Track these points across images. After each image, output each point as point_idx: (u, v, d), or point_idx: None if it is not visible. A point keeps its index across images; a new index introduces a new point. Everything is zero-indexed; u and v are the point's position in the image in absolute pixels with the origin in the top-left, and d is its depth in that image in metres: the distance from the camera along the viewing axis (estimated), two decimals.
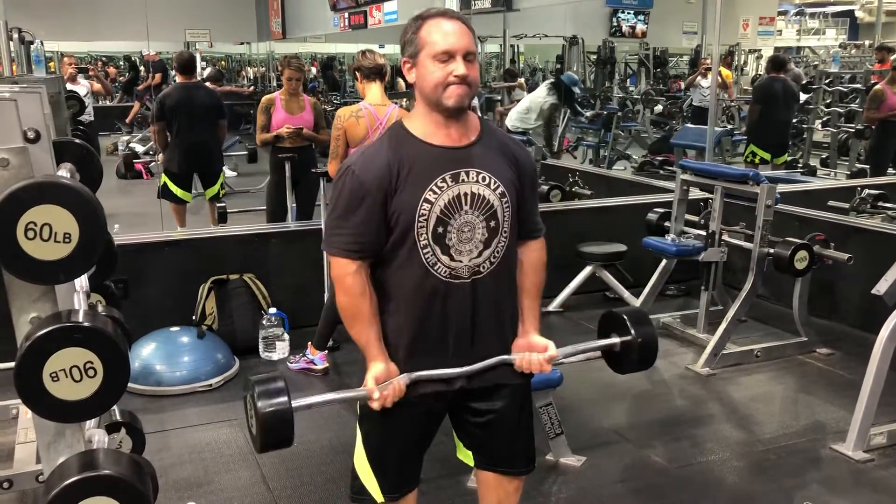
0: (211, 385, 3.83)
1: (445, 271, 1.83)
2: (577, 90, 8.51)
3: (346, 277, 1.84)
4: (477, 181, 1.82)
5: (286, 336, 4.21)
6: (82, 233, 1.40)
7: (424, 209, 1.78)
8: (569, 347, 2.04)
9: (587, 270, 5.01)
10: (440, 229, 1.80)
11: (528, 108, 8.10)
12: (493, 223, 1.84)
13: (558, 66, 13.35)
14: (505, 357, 1.94)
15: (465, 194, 1.81)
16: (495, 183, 1.84)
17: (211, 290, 4.28)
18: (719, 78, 7.49)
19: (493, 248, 1.85)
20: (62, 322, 1.42)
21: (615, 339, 2.06)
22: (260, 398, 1.73)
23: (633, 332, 2.03)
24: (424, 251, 1.81)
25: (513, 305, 1.97)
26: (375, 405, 1.83)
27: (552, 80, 8.61)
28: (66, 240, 1.40)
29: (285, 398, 1.74)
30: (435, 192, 1.79)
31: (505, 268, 1.89)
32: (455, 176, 1.81)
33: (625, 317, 2.06)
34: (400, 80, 10.38)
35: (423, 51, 1.79)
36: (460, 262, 1.83)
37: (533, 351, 1.95)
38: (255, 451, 1.83)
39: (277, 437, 1.76)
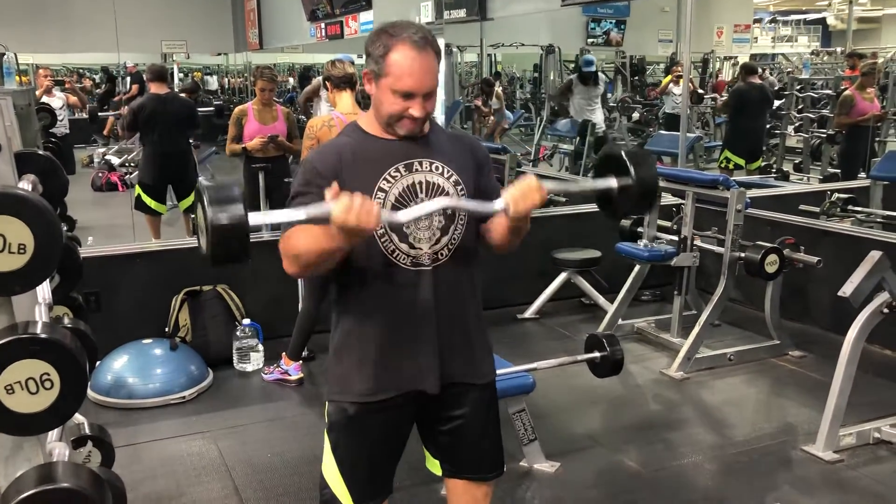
0: (184, 397, 3.80)
1: (406, 259, 1.84)
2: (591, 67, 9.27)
3: (298, 231, 1.74)
4: (430, 170, 1.86)
5: (260, 347, 4.19)
6: (38, 244, 1.39)
7: (379, 197, 1.81)
8: (560, 183, 1.84)
9: (562, 277, 5.03)
10: None
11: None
12: (449, 210, 1.86)
13: (535, 74, 13.42)
14: (497, 202, 1.77)
15: (420, 182, 1.84)
16: (448, 171, 1.87)
17: (184, 301, 4.25)
18: (690, 85, 7.57)
19: (451, 235, 1.87)
20: (17, 334, 1.40)
21: (612, 181, 1.91)
22: (212, 205, 1.55)
23: (632, 172, 1.88)
24: (382, 239, 1.82)
25: (472, 291, 1.97)
26: (342, 209, 1.59)
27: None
28: (21, 251, 1.38)
29: (240, 206, 1.56)
30: (389, 181, 1.82)
31: (463, 253, 1.91)
32: (408, 166, 1.84)
33: (623, 156, 1.92)
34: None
35: (385, 78, 1.79)
36: (420, 249, 1.84)
37: (518, 185, 1.78)
38: (206, 261, 1.62)
39: (230, 249, 1.60)
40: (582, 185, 1.95)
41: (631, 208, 1.95)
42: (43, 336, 1.41)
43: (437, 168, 1.87)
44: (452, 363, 1.92)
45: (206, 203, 1.56)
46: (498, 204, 1.79)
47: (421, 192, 1.84)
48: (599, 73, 9.66)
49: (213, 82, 18.03)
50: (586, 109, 9.12)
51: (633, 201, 1.93)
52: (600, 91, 9.29)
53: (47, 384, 1.40)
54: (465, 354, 1.95)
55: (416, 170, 1.85)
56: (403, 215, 1.74)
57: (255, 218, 1.60)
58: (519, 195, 1.77)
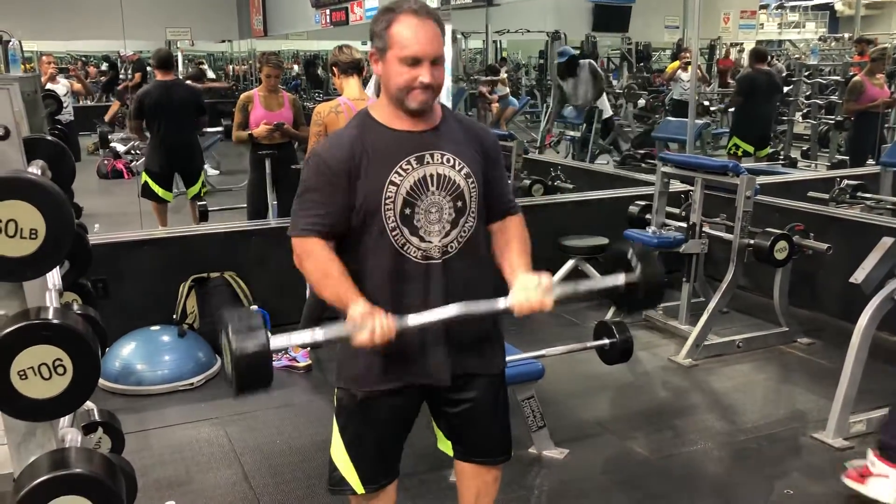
0: (192, 384, 3.81)
1: (417, 252, 1.83)
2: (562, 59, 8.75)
3: (312, 250, 1.82)
4: (442, 163, 1.84)
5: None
6: (49, 229, 1.38)
7: (390, 191, 1.80)
8: (569, 286, 1.92)
9: (569, 264, 5.00)
10: (407, 211, 1.81)
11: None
12: (459, 203, 1.85)
13: (541, 61, 13.37)
14: (502, 301, 1.83)
15: (431, 175, 1.83)
16: (460, 164, 1.86)
17: (192, 288, 4.25)
18: (698, 71, 7.52)
19: (461, 228, 1.86)
20: (30, 319, 1.39)
21: (619, 279, 1.95)
22: (235, 336, 1.60)
23: (637, 270, 1.94)
24: (393, 233, 1.82)
25: (482, 283, 1.95)
26: (364, 338, 1.71)
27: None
28: (33, 236, 1.37)
29: (262, 334, 1.62)
30: (400, 174, 1.81)
31: (473, 246, 1.90)
32: (420, 158, 1.83)
33: (629, 255, 1.97)
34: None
35: (391, 50, 1.79)
36: (430, 242, 1.84)
37: (526, 289, 1.82)
38: (232, 394, 1.68)
39: (255, 377, 1.65)
40: (592, 285, 2.06)
41: (640, 304, 2.03)
42: (55, 322, 1.40)
43: (448, 160, 1.85)
44: (463, 357, 1.91)
45: (229, 334, 1.60)
46: (502, 303, 1.83)
47: (432, 184, 1.82)
48: (581, 62, 8.69)
49: (211, 74, 18.02)
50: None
51: (640, 295, 1.97)
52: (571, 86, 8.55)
53: (60, 370, 1.39)
54: (477, 348, 1.95)
55: (428, 162, 1.83)
56: (413, 320, 1.77)
57: (276, 342, 1.65)
58: (526, 304, 1.81)
